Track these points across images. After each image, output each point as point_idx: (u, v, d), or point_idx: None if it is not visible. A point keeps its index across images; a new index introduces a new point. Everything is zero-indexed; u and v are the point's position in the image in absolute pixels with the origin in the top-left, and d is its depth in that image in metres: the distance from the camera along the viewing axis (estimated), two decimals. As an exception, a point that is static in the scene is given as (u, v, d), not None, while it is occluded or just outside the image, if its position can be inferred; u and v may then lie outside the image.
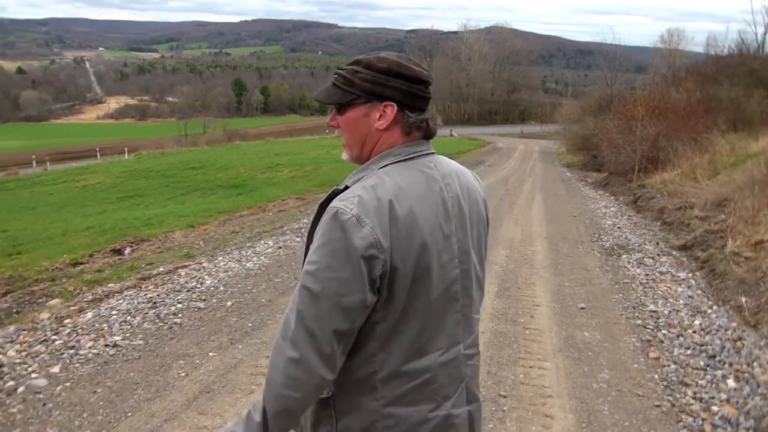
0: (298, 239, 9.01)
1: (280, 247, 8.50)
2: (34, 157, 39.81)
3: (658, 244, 9.13)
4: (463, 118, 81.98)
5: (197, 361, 4.53)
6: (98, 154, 40.34)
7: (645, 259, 8.12)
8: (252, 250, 8.30)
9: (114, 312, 5.57)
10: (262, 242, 8.88)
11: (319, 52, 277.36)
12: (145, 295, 6.13)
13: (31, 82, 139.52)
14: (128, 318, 5.42)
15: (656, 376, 4.33)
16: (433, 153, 1.61)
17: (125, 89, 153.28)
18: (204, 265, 7.43)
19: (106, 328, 5.14)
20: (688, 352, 4.69)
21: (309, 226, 1.56)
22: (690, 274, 7.23)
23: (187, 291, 6.29)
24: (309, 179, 19.76)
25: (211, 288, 6.48)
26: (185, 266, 7.36)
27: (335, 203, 1.43)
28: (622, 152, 17.99)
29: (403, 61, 1.54)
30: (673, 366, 4.44)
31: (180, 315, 5.57)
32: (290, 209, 12.80)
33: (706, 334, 5.05)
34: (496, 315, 5.70)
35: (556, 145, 43.77)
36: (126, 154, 36.87)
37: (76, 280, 7.01)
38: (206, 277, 6.86)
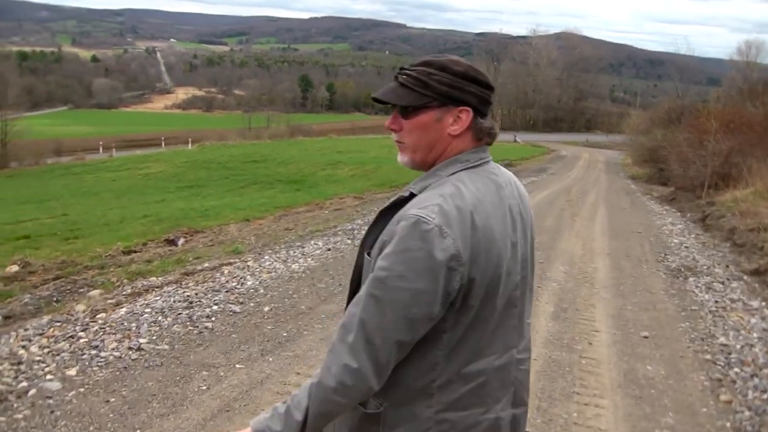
0: (348, 241, 8.78)
1: (329, 249, 8.25)
2: (101, 143, 40.85)
3: (728, 267, 8.47)
4: (527, 124, 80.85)
5: (222, 374, 4.25)
6: (163, 143, 41.24)
7: (714, 283, 7.51)
8: (300, 251, 8.07)
9: (148, 310, 5.38)
10: (312, 242, 8.67)
11: (387, 52, 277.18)
12: (184, 292, 5.93)
13: (104, 70, 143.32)
14: (159, 318, 5.22)
15: (728, 425, 3.88)
16: (492, 160, 1.57)
17: (194, 80, 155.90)
18: (249, 264, 7.22)
19: (134, 328, 4.94)
20: (765, 396, 4.21)
21: (365, 233, 1.55)
22: (764, 303, 6.65)
23: (226, 291, 6.08)
24: (369, 178, 19.66)
25: (251, 290, 6.23)
26: (231, 263, 7.18)
27: (415, 211, 1.38)
28: (692, 167, 17.18)
29: (474, 69, 1.50)
30: (747, 413, 3.97)
31: (213, 318, 5.35)
32: (347, 208, 12.65)
33: (785, 375, 4.56)
34: (550, 340, 5.28)
35: (621, 155, 42.86)
36: (189, 145, 37.54)
37: (122, 270, 6.97)
38: (249, 277, 6.64)
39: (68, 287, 6.25)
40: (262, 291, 6.22)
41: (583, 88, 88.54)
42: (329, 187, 17.66)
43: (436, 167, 1.52)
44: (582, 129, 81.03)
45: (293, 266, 7.25)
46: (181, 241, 10.19)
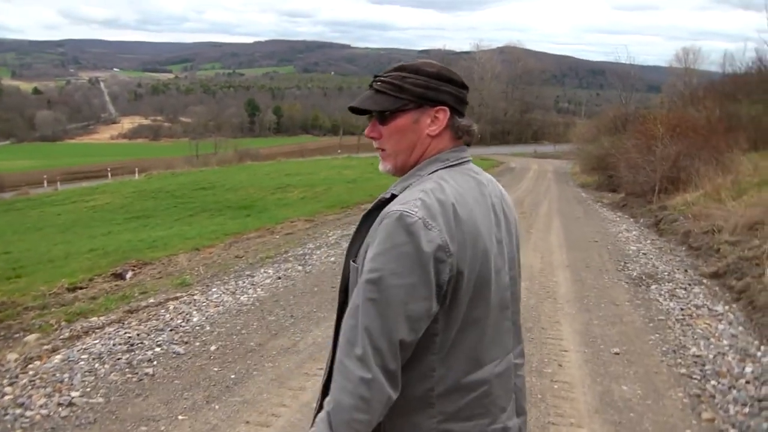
0: (300, 268, 8.43)
1: (279, 278, 7.85)
2: (45, 176, 39.69)
3: (686, 271, 8.47)
4: (476, 138, 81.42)
5: (162, 428, 3.83)
6: (109, 174, 40.27)
7: (677, 290, 7.43)
8: (250, 280, 7.67)
9: (84, 356, 4.91)
10: (263, 270, 8.28)
11: (332, 73, 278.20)
12: (125, 333, 5.50)
13: (47, 102, 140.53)
14: (96, 366, 4.74)
15: (716, 446, 3.69)
16: (471, 160, 1.57)
17: (139, 109, 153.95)
18: (195, 297, 6.78)
19: (66, 379, 4.46)
20: (746, 410, 4.02)
21: (350, 240, 1.52)
22: (727, 307, 6.58)
23: (171, 330, 5.63)
24: (319, 200, 19.36)
25: (197, 327, 5.79)
26: (177, 297, 6.75)
27: (396, 207, 1.37)
28: (641, 172, 17.32)
29: (447, 68, 1.52)
30: (732, 431, 3.81)
31: (155, 362, 4.88)
32: (298, 232, 12.35)
33: (762, 384, 4.40)
34: (518, 364, 5.01)
35: (569, 165, 43.36)
36: (136, 174, 36.75)
37: (64, 310, 6.53)
38: (195, 312, 6.21)
39: (2, 333, 5.82)
40: (208, 328, 5.81)
41: (528, 100, 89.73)
42: (279, 211, 17.32)
43: (416, 168, 1.52)
44: (530, 140, 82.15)
45: (242, 298, 6.85)
46: (129, 275, 9.80)
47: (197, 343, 5.36)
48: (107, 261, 10.65)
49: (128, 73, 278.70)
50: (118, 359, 4.91)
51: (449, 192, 1.39)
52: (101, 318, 6.03)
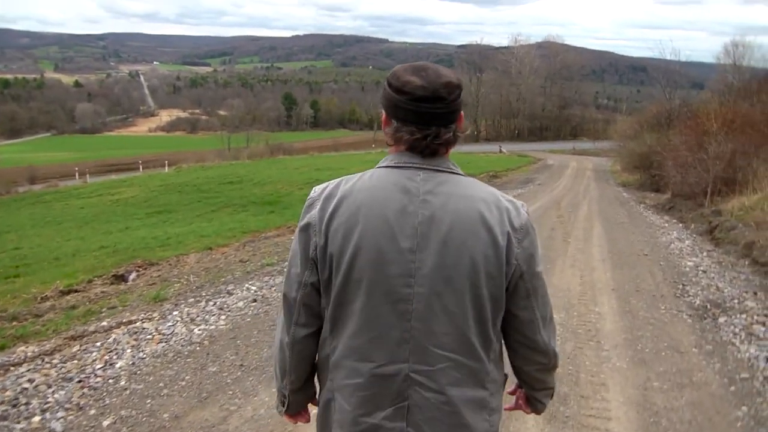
0: None
1: (254, 300, 6.57)
2: (76, 169, 39.64)
3: (756, 294, 7.01)
4: (513, 134, 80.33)
5: None
6: (140, 166, 40.14)
7: (753, 325, 5.86)
8: (222, 301, 6.50)
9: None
10: (247, 286, 7.22)
11: (370, 67, 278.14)
12: (30, 378, 4.38)
13: (87, 95, 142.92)
14: None
15: None
16: (429, 169, 1.53)
17: (177, 102, 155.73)
18: (145, 326, 5.59)
19: None
20: None
21: None
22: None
23: (78, 382, 4.38)
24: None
25: (110, 380, 4.45)
26: (130, 322, 5.70)
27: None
28: (691, 172, 16.00)
29: (404, 72, 1.54)
30: None
31: None
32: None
33: None
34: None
35: (609, 162, 42.25)
36: (166, 167, 36.51)
37: (15, 329, 5.71)
38: (127, 351, 4.97)
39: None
40: (123, 383, 4.42)
41: (567, 96, 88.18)
42: (304, 207, 16.62)
43: None
44: (568, 137, 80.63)
45: (196, 330, 5.58)
46: (132, 276, 9.22)
47: (92, 411, 3.97)
48: (114, 260, 10.13)
49: (167, 67, 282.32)
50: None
51: (350, 185, 1.54)
52: (32, 348, 5.06)
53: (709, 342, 5.53)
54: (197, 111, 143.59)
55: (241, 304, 6.44)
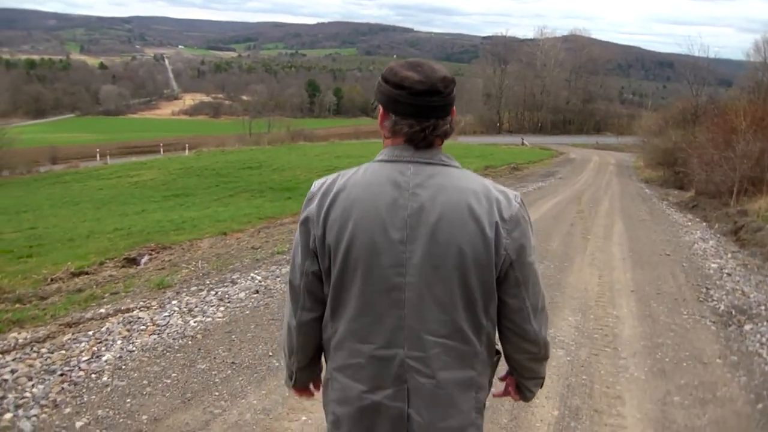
0: None
1: (256, 292, 6.28)
2: (98, 150, 39.81)
3: None
4: (536, 127, 79.61)
5: None
6: (161, 149, 40.25)
7: None
8: (224, 291, 6.23)
9: None
10: (255, 272, 7.02)
11: (395, 56, 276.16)
12: (14, 370, 4.15)
13: (112, 77, 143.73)
14: None
15: None
16: (420, 162, 1.61)
17: (201, 87, 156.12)
18: (140, 316, 5.35)
19: None
20: None
21: None
22: None
23: (60, 375, 4.13)
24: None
25: (93, 375, 4.18)
26: (128, 310, 5.47)
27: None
28: (717, 170, 15.61)
29: (400, 68, 1.61)
30: None
31: None
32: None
33: None
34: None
35: (632, 158, 41.77)
36: (186, 151, 36.57)
37: (12, 312, 5.61)
38: (118, 342, 4.71)
39: None
40: (105, 378, 4.14)
41: (591, 90, 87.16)
42: (323, 194, 16.54)
43: None
44: (591, 131, 79.76)
45: (191, 322, 5.29)
46: (144, 259, 9.18)
47: (67, 410, 3.69)
48: (127, 243, 10.16)
49: (192, 51, 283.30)
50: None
51: (343, 181, 1.62)
52: (23, 334, 4.86)
53: (734, 352, 5.17)
54: (220, 96, 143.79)
55: (242, 295, 6.16)
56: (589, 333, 5.49)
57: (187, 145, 40.34)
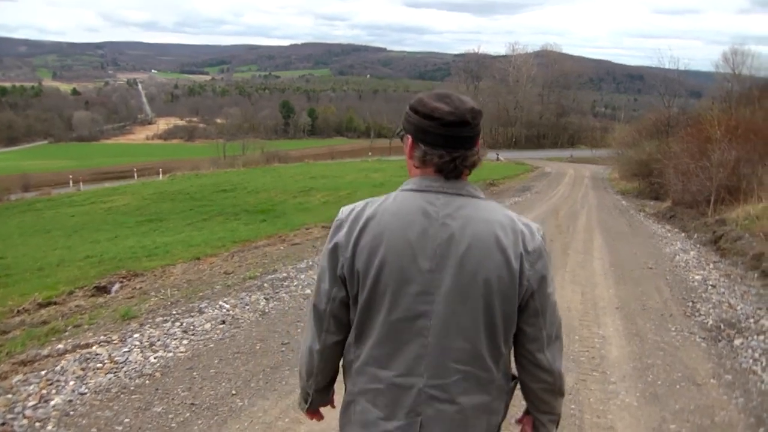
0: (263, 302, 6.69)
1: (223, 322, 5.92)
2: (70, 176, 39.25)
3: None
4: (510, 142, 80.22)
5: None
6: (135, 174, 39.80)
7: None
8: (189, 322, 5.86)
9: None
10: (223, 300, 6.65)
11: (368, 75, 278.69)
12: None
13: (85, 103, 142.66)
14: None
15: None
16: (449, 193, 1.65)
17: (175, 111, 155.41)
18: (99, 351, 4.94)
19: None
20: None
21: None
22: None
23: (1, 425, 3.80)
24: (341, 205, 18.27)
25: (39, 422, 3.81)
26: (87, 345, 5.09)
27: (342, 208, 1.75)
28: (693, 180, 15.61)
29: (429, 99, 1.64)
30: None
31: None
32: (306, 242, 11.24)
33: None
34: None
35: (607, 170, 42.15)
36: (161, 175, 36.19)
37: None
38: (70, 384, 4.33)
39: None
40: (50, 427, 3.77)
41: (564, 104, 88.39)
42: (297, 216, 16.36)
43: None
44: (565, 145, 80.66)
45: (152, 358, 4.94)
46: (115, 287, 8.84)
47: None
48: (98, 270, 9.81)
49: (166, 75, 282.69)
50: None
51: (373, 209, 1.65)
52: None
53: (728, 370, 4.93)
54: (195, 119, 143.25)
55: (208, 326, 5.80)
56: (575, 356, 5.19)
57: (160, 169, 39.93)
